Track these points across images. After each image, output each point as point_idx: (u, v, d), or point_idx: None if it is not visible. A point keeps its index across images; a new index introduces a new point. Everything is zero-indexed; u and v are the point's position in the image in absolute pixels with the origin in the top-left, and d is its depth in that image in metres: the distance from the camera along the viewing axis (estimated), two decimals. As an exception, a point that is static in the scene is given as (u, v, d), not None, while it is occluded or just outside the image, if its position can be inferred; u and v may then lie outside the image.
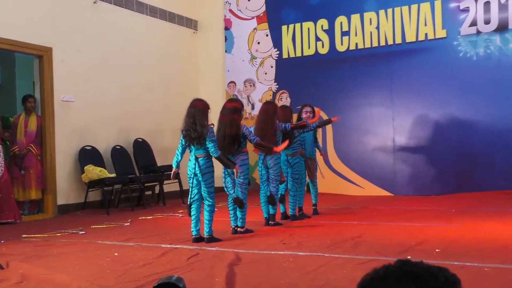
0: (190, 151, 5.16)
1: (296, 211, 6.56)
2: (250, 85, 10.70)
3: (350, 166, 9.55)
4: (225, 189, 5.59)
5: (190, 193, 5.19)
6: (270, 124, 5.97)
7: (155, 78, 9.99)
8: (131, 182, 8.53)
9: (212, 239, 5.16)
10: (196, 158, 5.08)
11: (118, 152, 8.84)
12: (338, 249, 4.57)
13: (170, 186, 9.54)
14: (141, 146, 9.32)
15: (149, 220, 7.18)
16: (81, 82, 8.46)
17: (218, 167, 5.51)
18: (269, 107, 6.18)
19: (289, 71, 10.27)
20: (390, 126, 9.28)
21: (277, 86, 10.43)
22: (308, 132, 6.63)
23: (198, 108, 5.08)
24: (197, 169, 5.06)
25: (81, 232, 6.13)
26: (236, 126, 5.44)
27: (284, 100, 10.29)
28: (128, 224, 6.78)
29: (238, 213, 5.60)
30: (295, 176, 6.47)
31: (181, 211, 7.87)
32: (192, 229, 5.23)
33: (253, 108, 10.55)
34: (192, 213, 5.19)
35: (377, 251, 4.41)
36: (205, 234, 5.18)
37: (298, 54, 10.14)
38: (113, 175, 8.29)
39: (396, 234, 5.33)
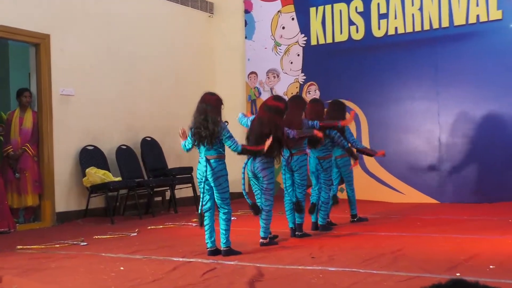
0: (200, 152, 5.19)
1: (326, 221, 6.63)
2: (274, 76, 10.68)
3: (389, 169, 9.47)
4: (244, 194, 5.53)
5: (201, 200, 5.21)
6: (297, 117, 6.02)
7: (166, 69, 10.04)
8: (138, 186, 8.59)
9: (230, 252, 5.18)
10: (207, 160, 5.10)
11: (124, 153, 8.90)
12: (375, 264, 4.53)
13: (182, 192, 9.58)
14: (150, 146, 9.37)
15: (159, 229, 7.22)
16: (82, 73, 8.54)
17: (234, 170, 5.48)
18: (298, 100, 6.29)
19: (318, 60, 10.22)
20: (435, 123, 9.17)
21: (304, 77, 10.39)
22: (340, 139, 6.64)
23: (210, 103, 5.12)
24: (208, 172, 5.09)
25: (82, 243, 6.18)
26: (280, 129, 5.50)
27: (312, 93, 10.25)
28: (135, 234, 6.82)
29: (261, 222, 5.62)
30: (328, 182, 6.54)
31: (195, 219, 7.86)
32: (206, 241, 5.23)
33: (277, 102, 10.54)
34: (205, 223, 5.20)
35: (420, 267, 4.37)
36: (222, 246, 5.20)
37: (329, 40, 10.09)
38: (118, 178, 8.35)
39: (442, 247, 5.28)
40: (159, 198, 9.55)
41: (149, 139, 9.42)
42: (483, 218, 7.20)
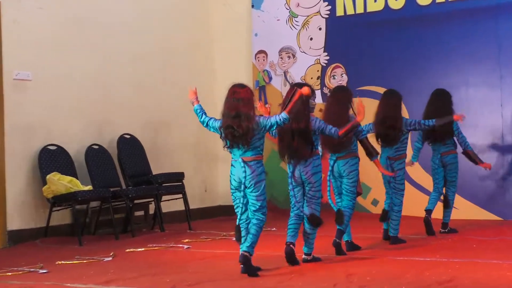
0: (234, 155, 5.69)
1: (398, 232, 7.26)
2: (288, 56, 10.65)
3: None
4: (291, 203, 6.15)
5: (237, 209, 5.72)
6: (344, 118, 6.47)
7: (151, 47, 10.01)
8: (114, 198, 8.57)
9: (249, 264, 5.62)
10: (244, 163, 5.60)
11: (95, 155, 8.90)
12: (419, 299, 4.51)
13: (171, 205, 9.55)
14: (130, 146, 9.35)
15: (140, 253, 7.21)
16: (42, 52, 8.53)
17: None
18: (342, 95, 6.80)
19: (345, 36, 10.19)
20: (497, 116, 9.12)
21: (327, 58, 10.35)
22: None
23: (242, 97, 5.61)
24: (247, 177, 5.58)
25: (41, 271, 6.17)
26: (304, 119, 5.97)
27: (338, 77, 10.21)
28: (110, 259, 6.82)
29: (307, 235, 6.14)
30: (400, 187, 7.30)
31: (186, 240, 7.88)
32: (241, 245, 5.63)
33: (292, 89, 10.52)
34: (243, 234, 5.66)
35: (477, 302, 4.35)
36: (242, 249, 5.65)
37: (360, 10, 10.05)
38: (89, 187, 8.35)
39: (507, 277, 5.23)
40: (141, 213, 9.53)
41: (128, 136, 9.40)
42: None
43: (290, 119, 5.60)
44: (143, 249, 7.41)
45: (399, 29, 9.79)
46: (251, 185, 5.59)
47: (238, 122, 5.49)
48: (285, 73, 10.65)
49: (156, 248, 7.49)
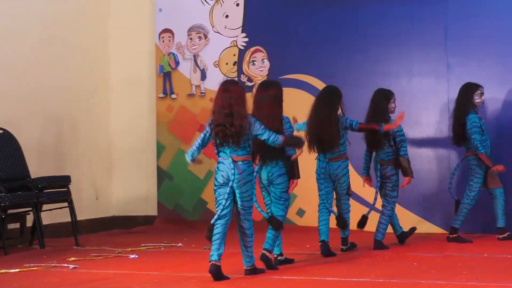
0: (223, 153, 6.40)
1: (384, 237, 8.15)
2: (199, 37, 10.65)
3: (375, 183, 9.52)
4: (256, 205, 6.84)
5: (219, 207, 6.36)
6: (330, 117, 7.56)
7: (28, 24, 9.88)
8: (-19, 206, 8.45)
9: (254, 271, 6.55)
10: (234, 162, 6.32)
11: (-41, 153, 8.76)
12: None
13: (54, 215, 9.44)
14: (2, 143, 9.18)
15: (14, 275, 7.11)
16: None
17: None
18: (329, 91, 7.68)
19: (268, 14, 10.27)
20: (444, 111, 9.31)
21: (246, 40, 10.42)
22: None
23: (236, 95, 6.35)
24: (236, 176, 6.30)
25: None
26: (278, 119, 6.89)
27: (258, 63, 10.25)
28: (-24, 282, 6.71)
29: (269, 234, 6.90)
30: (392, 194, 8.19)
31: (73, 258, 7.81)
32: (212, 253, 6.21)
33: (203, 77, 10.51)
34: (216, 232, 6.32)
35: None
36: (245, 265, 6.57)
37: (285, -18, 10.16)
38: (-51, 194, 8.22)
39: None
40: (16, 225, 9.39)
41: (0, 131, 9.28)
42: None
43: (280, 146, 6.52)
44: (18, 269, 7.31)
45: (333, 7, 9.90)
46: (238, 186, 6.34)
47: (231, 120, 6.22)
48: (195, 57, 10.65)
49: (34, 268, 7.40)
